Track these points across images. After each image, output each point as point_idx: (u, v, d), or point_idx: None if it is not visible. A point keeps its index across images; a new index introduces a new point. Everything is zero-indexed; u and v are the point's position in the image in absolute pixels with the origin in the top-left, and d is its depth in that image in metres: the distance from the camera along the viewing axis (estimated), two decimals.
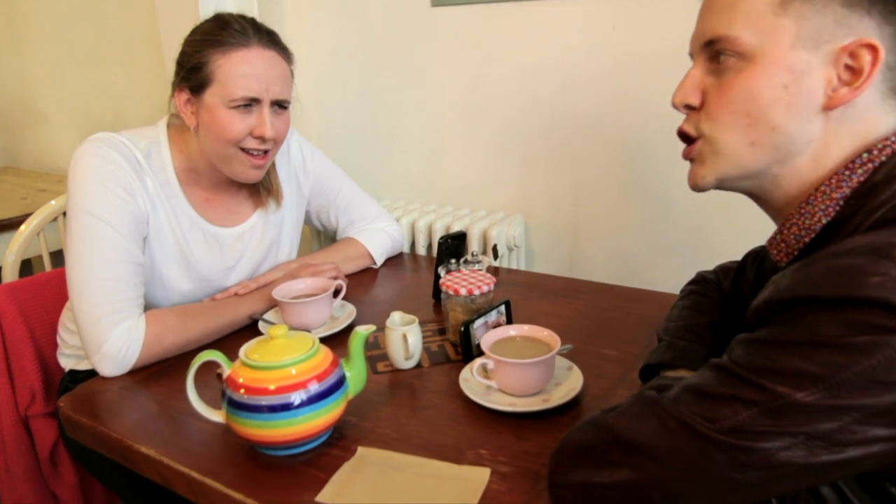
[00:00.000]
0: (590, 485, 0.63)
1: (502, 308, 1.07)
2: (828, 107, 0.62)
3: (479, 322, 1.02)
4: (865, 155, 0.62)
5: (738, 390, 0.55)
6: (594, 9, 1.44)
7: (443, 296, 1.09)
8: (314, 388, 0.79)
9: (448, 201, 1.77)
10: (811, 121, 0.63)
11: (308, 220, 1.47)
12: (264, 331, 1.12)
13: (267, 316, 1.17)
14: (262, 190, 1.27)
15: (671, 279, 1.16)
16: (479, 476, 0.75)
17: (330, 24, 1.82)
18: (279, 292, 1.14)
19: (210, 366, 0.83)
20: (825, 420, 0.51)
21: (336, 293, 1.17)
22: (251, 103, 1.09)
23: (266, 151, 1.14)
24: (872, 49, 0.60)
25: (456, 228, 1.63)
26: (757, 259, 0.91)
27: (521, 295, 1.26)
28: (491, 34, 1.58)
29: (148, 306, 1.12)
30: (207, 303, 1.17)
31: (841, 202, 0.63)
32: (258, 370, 0.79)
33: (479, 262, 1.19)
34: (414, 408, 0.92)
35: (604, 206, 1.56)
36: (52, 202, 1.48)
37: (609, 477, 0.61)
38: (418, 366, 1.02)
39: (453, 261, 1.19)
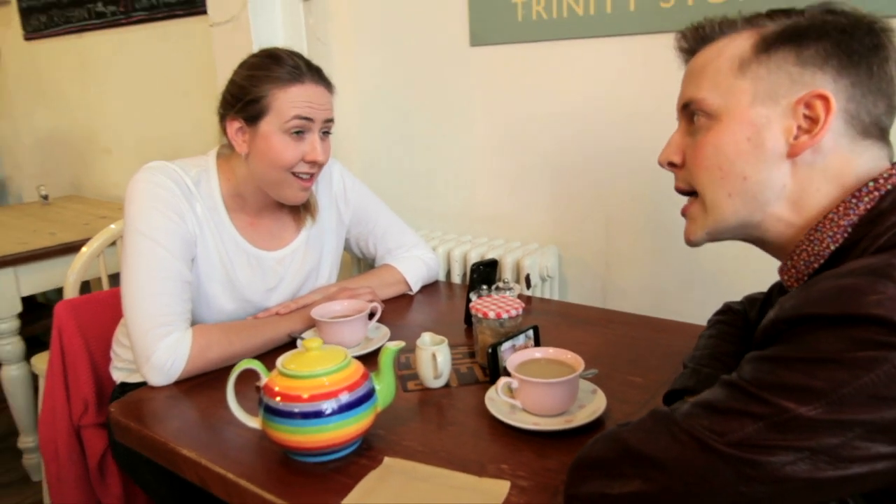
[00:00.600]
0: (602, 496, 0.64)
1: (530, 332, 1.09)
2: (791, 154, 0.68)
3: (506, 345, 1.04)
4: (871, 183, 0.65)
5: (745, 405, 0.56)
6: (628, 47, 1.48)
7: (473, 319, 1.12)
8: (345, 397, 0.83)
9: (483, 232, 1.81)
10: (778, 168, 0.69)
11: (348, 248, 1.53)
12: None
13: (305, 335, 1.22)
14: (301, 209, 1.34)
15: (700, 310, 1.18)
16: (498, 488, 0.78)
17: (374, 63, 1.91)
18: (317, 312, 1.19)
19: (250, 379, 0.89)
20: (828, 435, 0.53)
21: (371, 315, 1.22)
22: (303, 131, 1.17)
23: (312, 175, 1.22)
24: (824, 99, 0.66)
25: (489, 257, 1.66)
26: (782, 290, 0.92)
27: (551, 323, 1.29)
28: (527, 72, 1.64)
29: (193, 324, 1.18)
30: (250, 321, 1.24)
31: (849, 229, 0.65)
32: (293, 379, 0.84)
33: (510, 288, 1.22)
34: (440, 424, 0.95)
35: (635, 238, 1.58)
36: (112, 226, 1.58)
37: (620, 488, 0.63)
38: (447, 385, 1.05)
39: (485, 287, 1.23)
